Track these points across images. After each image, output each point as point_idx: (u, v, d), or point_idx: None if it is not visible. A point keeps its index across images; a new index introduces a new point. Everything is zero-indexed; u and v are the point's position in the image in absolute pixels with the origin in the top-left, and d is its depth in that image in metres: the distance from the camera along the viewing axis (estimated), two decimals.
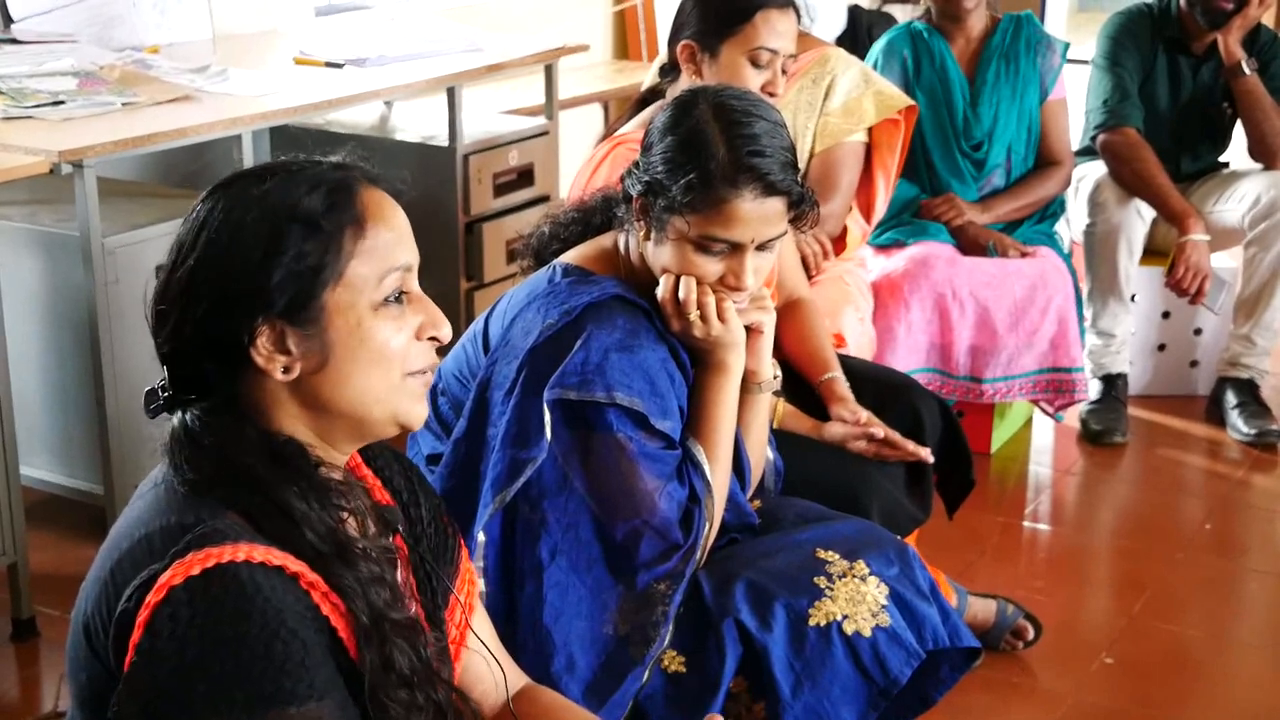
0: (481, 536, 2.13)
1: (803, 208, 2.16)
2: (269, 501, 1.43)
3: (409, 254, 1.52)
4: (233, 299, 1.44)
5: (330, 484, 1.49)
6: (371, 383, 1.49)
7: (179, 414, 1.49)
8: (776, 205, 2.11)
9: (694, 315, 2.14)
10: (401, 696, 1.44)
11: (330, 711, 1.36)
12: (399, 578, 1.58)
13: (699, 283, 2.14)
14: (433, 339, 1.54)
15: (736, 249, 2.12)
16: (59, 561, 3.37)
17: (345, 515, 1.49)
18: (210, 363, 1.47)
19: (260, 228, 1.45)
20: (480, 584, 2.13)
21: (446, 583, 1.68)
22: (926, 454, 2.63)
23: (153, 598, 1.35)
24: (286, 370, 1.46)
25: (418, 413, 1.54)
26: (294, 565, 1.40)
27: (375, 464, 1.68)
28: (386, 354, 1.49)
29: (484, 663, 1.74)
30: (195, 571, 1.34)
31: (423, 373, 1.53)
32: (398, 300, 1.50)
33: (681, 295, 2.14)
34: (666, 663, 2.13)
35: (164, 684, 1.33)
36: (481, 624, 1.77)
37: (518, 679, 1.83)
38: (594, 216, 2.34)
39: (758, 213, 2.10)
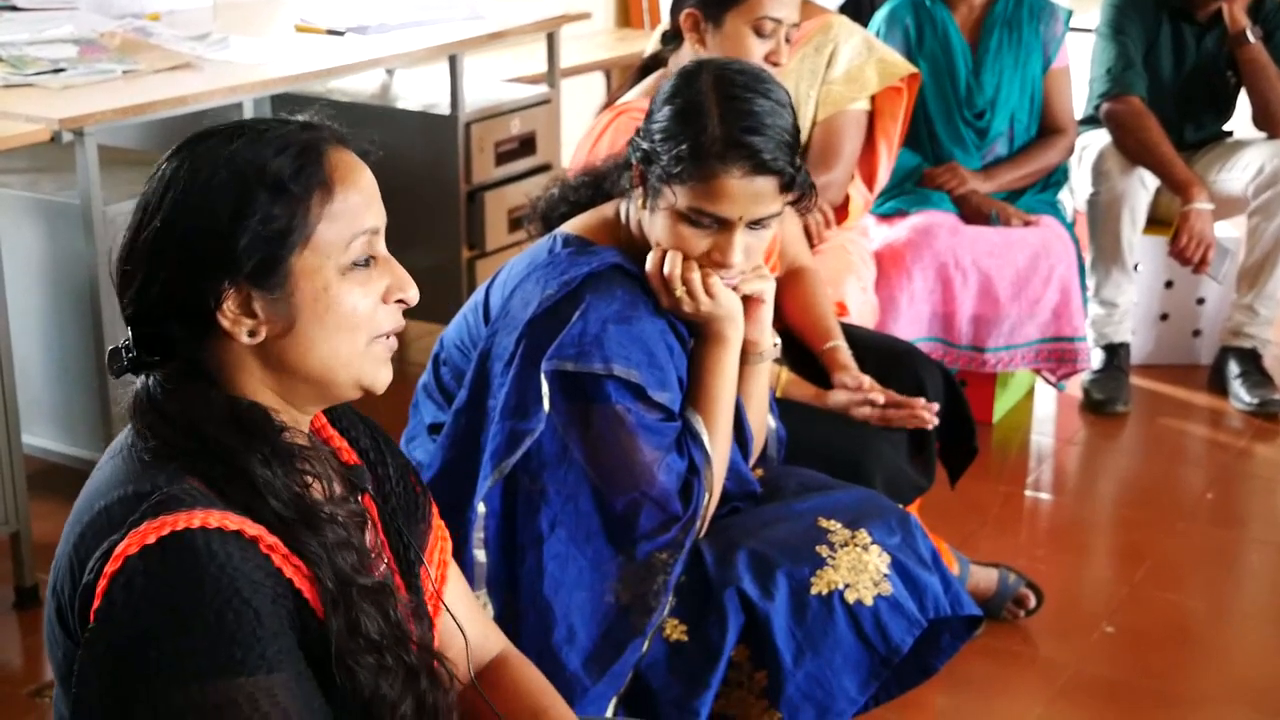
0: (482, 508, 2.13)
1: (798, 190, 2.14)
2: (233, 469, 1.42)
3: (376, 217, 1.50)
4: (199, 262, 1.43)
5: (295, 449, 1.47)
6: (337, 347, 1.48)
7: (142, 378, 1.48)
8: (767, 184, 2.09)
9: (680, 291, 2.13)
10: (369, 661, 1.43)
11: (282, 683, 1.35)
12: (368, 539, 1.57)
13: (685, 258, 2.13)
14: (399, 301, 1.52)
15: (725, 225, 2.11)
16: (61, 530, 3.36)
17: (310, 480, 1.47)
18: (175, 324, 1.45)
19: (227, 190, 1.42)
20: (480, 556, 2.13)
21: (416, 545, 1.66)
22: (931, 412, 2.61)
23: (109, 567, 1.35)
24: (252, 334, 1.45)
25: (383, 377, 1.53)
26: (252, 529, 1.39)
27: (340, 424, 1.67)
28: (354, 319, 1.47)
29: (456, 619, 1.72)
30: (150, 540, 1.34)
31: (389, 336, 1.52)
32: (365, 264, 1.48)
33: (666, 271, 2.13)
34: (668, 632, 2.14)
35: (119, 650, 1.33)
36: (454, 583, 1.76)
37: (496, 643, 1.82)
38: (604, 182, 2.33)
39: (747, 190, 2.08)
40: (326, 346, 1.47)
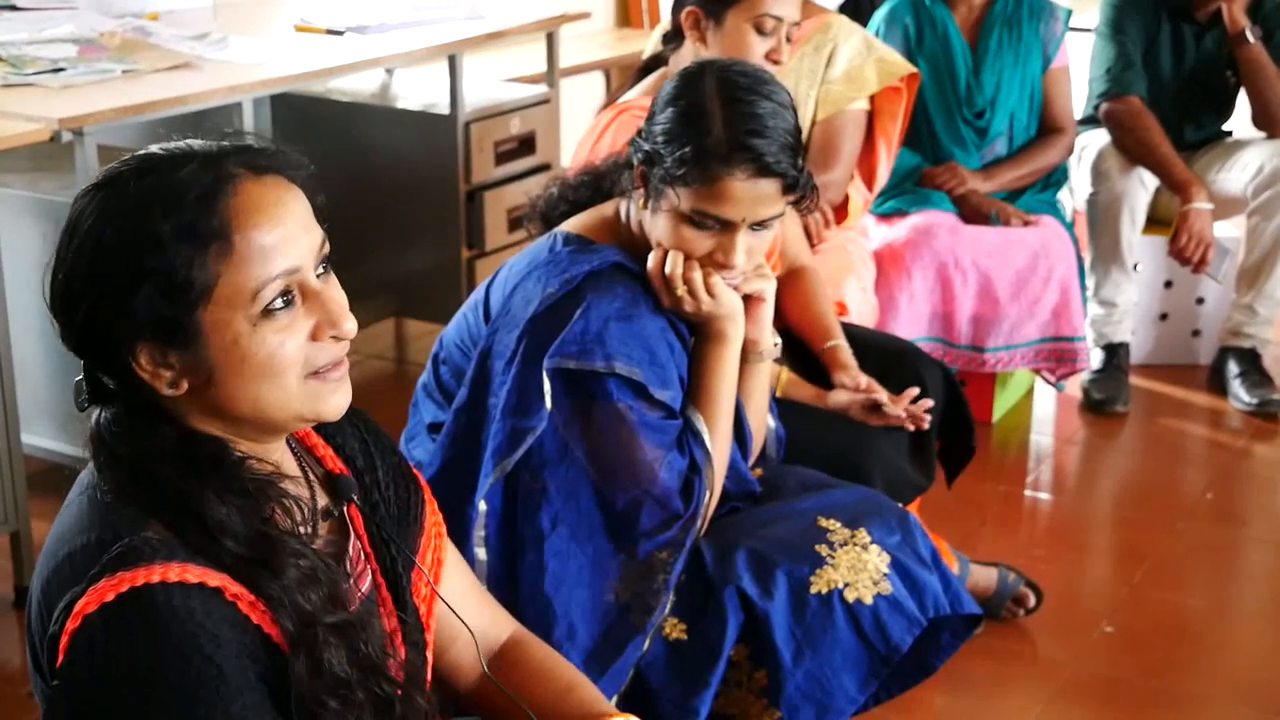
0: (483, 506, 2.13)
1: (801, 191, 2.14)
2: (186, 511, 1.37)
3: (294, 255, 1.39)
4: (102, 320, 1.37)
5: (254, 481, 1.42)
6: (264, 393, 1.40)
7: (97, 412, 1.43)
8: (770, 186, 2.09)
9: (681, 291, 2.13)
10: (332, 704, 1.39)
11: None
12: (351, 549, 1.55)
13: (687, 258, 2.13)
14: (334, 337, 1.43)
15: (728, 226, 2.11)
16: None
17: (275, 511, 1.43)
18: (101, 372, 1.41)
19: (119, 250, 1.35)
20: (481, 554, 2.13)
21: (408, 552, 1.63)
22: (925, 413, 2.61)
23: (70, 625, 1.32)
24: (172, 385, 1.39)
25: (332, 406, 1.45)
26: (215, 580, 1.35)
27: (325, 430, 1.61)
28: (275, 365, 1.39)
29: (456, 617, 1.70)
30: (109, 598, 1.31)
31: (330, 368, 1.44)
32: (286, 305, 1.39)
33: (667, 271, 2.13)
34: (668, 631, 2.14)
35: (81, 711, 1.32)
36: (455, 574, 1.73)
37: (506, 627, 1.80)
38: (604, 181, 2.33)
39: (750, 193, 2.08)
40: (252, 392, 1.40)
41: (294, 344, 1.41)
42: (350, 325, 1.43)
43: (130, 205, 1.37)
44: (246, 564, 1.37)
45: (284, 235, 1.39)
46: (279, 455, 1.51)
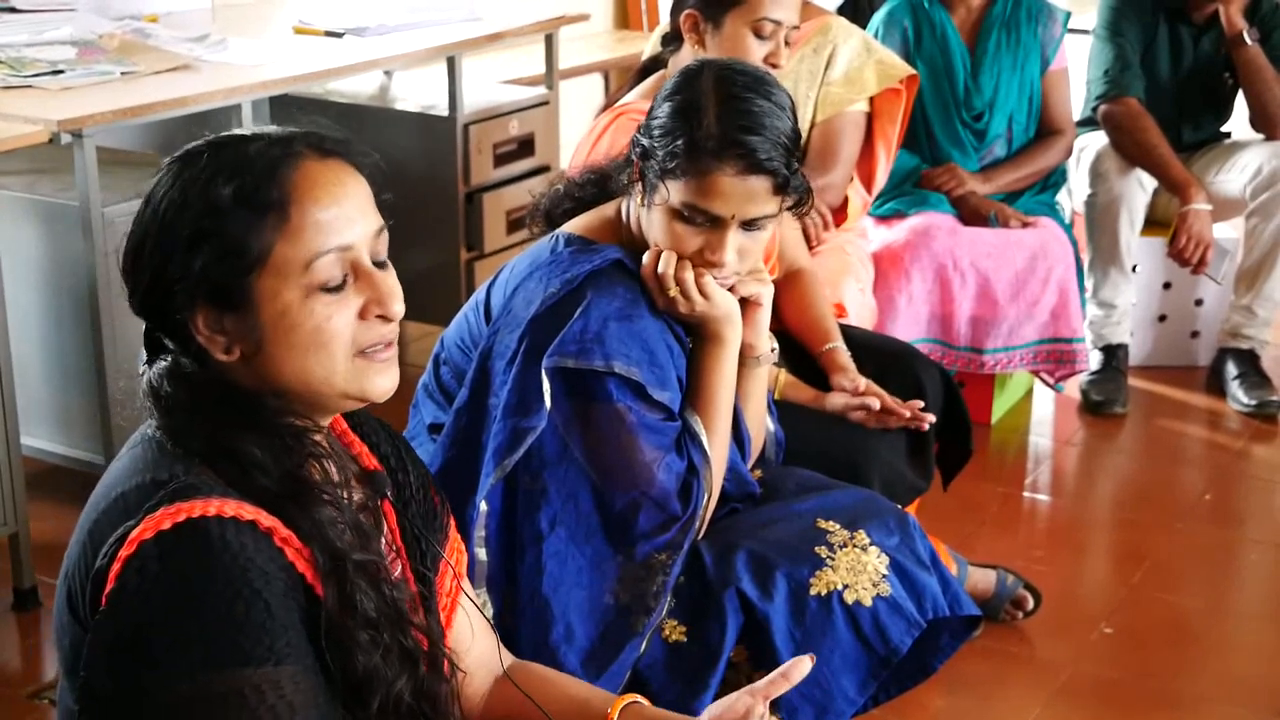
0: (483, 506, 2.13)
1: (793, 193, 2.13)
2: (221, 448, 1.42)
3: (351, 232, 1.45)
4: (164, 282, 1.43)
5: (288, 429, 1.46)
6: (310, 366, 1.45)
7: (153, 364, 1.49)
8: (760, 184, 2.08)
9: (673, 291, 2.13)
10: (363, 638, 1.42)
11: (289, 676, 1.35)
12: (384, 539, 1.57)
13: (680, 258, 2.13)
14: (381, 317, 1.47)
15: (718, 223, 2.10)
16: (60, 531, 3.34)
17: (310, 460, 1.46)
18: (162, 333, 1.47)
19: (184, 214, 1.42)
20: (481, 554, 2.13)
21: (436, 548, 1.66)
22: (927, 415, 2.61)
23: (124, 551, 1.35)
24: (228, 351, 1.45)
25: (379, 386, 1.49)
26: (266, 520, 1.39)
27: (361, 430, 1.66)
28: (322, 339, 1.44)
29: (470, 634, 1.73)
30: (165, 526, 1.34)
31: (384, 346, 1.48)
32: (337, 280, 1.44)
33: (659, 270, 2.13)
34: (667, 632, 2.14)
35: (127, 635, 1.34)
36: (468, 602, 1.76)
37: (506, 657, 1.83)
38: (609, 181, 2.33)
39: (739, 189, 2.07)
40: (298, 365, 1.45)
41: (341, 320, 1.45)
42: (399, 307, 1.48)
43: (199, 174, 1.43)
44: (279, 499, 1.41)
45: (340, 214, 1.45)
46: (320, 437, 1.53)
